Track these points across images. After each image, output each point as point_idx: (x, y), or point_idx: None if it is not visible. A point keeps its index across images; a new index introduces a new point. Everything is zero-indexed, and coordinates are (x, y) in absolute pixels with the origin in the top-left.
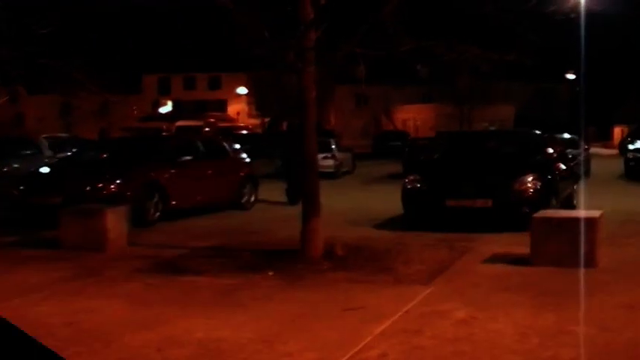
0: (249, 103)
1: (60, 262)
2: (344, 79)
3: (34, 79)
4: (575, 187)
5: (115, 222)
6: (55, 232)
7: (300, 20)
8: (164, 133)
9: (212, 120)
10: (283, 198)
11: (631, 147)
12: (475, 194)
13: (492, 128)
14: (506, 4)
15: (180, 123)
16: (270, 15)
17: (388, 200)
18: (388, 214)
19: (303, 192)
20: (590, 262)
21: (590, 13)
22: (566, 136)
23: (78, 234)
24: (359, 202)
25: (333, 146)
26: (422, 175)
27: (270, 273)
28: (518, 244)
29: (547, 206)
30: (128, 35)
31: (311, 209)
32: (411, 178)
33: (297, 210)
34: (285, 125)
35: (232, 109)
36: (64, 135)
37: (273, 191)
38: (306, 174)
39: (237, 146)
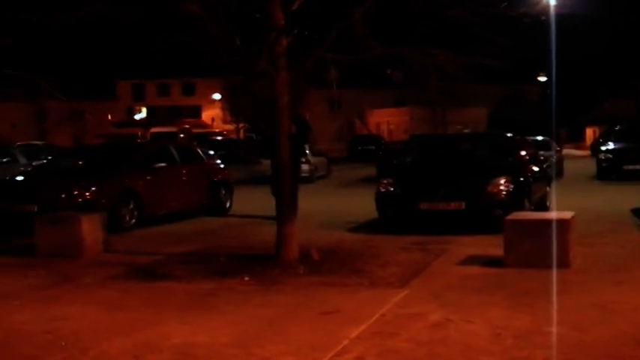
0: (223, 109)
1: (35, 270)
2: (317, 83)
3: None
4: (547, 188)
5: (90, 229)
6: (31, 239)
7: (270, 27)
8: (139, 140)
9: (187, 126)
10: None
11: (603, 148)
12: (448, 197)
13: (466, 131)
14: (476, 7)
15: (154, 129)
16: (241, 22)
17: (363, 204)
18: (363, 218)
19: (278, 196)
20: (563, 262)
21: (560, 15)
22: (539, 138)
23: (53, 241)
24: (334, 205)
25: (308, 151)
26: (395, 179)
27: (246, 278)
28: (492, 246)
29: (520, 208)
30: (101, 42)
31: (286, 213)
32: (385, 181)
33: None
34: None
35: (207, 114)
36: (38, 142)
37: (248, 197)
38: (280, 178)
39: (212, 152)
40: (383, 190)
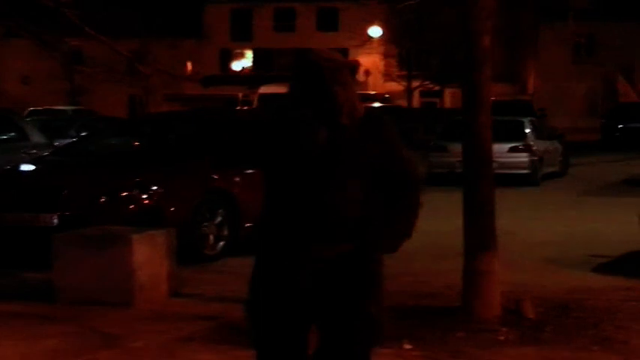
0: (386, 56)
1: (55, 325)
2: (554, 13)
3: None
4: None
5: (149, 257)
6: (47, 273)
7: None
8: (239, 107)
9: None
10: None
11: None
12: None
13: None
14: None
15: (266, 89)
16: None
17: (624, 225)
18: (621, 248)
19: (469, 207)
20: None
21: None
22: None
23: (85, 278)
24: (571, 227)
25: (528, 130)
26: None
27: (407, 345)
28: None
29: None
30: None
31: (481, 238)
32: None
33: (458, 237)
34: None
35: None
36: (66, 108)
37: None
38: (475, 176)
39: None
40: None
